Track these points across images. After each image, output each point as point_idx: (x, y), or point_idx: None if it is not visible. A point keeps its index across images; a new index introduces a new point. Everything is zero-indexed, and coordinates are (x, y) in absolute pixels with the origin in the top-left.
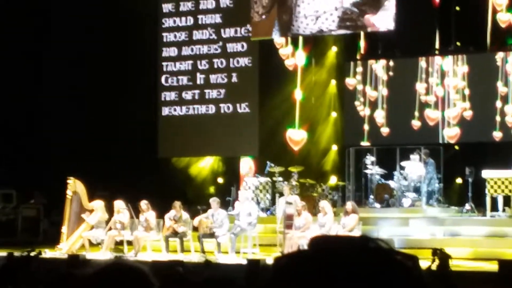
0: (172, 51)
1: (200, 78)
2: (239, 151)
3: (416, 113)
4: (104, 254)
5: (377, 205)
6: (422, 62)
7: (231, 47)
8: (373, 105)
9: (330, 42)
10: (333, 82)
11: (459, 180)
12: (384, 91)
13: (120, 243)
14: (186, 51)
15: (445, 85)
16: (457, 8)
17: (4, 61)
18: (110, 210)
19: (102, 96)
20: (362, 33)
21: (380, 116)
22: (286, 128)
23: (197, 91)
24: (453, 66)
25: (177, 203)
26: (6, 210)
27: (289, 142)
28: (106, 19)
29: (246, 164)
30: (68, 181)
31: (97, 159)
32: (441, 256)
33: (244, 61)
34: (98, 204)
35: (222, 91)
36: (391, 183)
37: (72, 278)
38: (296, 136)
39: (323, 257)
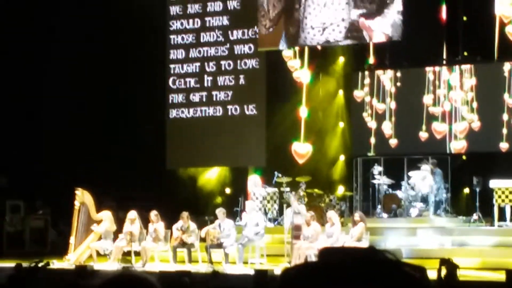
0: (179, 53)
1: (207, 80)
2: (247, 160)
3: (424, 125)
4: (111, 265)
5: (385, 215)
6: (430, 74)
7: (239, 49)
8: (381, 117)
9: (337, 52)
10: (341, 92)
11: (466, 190)
12: (392, 104)
13: (128, 253)
14: (193, 53)
15: (451, 98)
16: (465, 18)
17: (7, 67)
18: (118, 221)
19: (109, 102)
20: (369, 44)
21: (387, 127)
22: (292, 140)
23: (204, 93)
24: (460, 79)
25: (185, 214)
26: (14, 221)
27: (294, 155)
28: (112, 21)
29: (252, 182)
30: (76, 192)
31: (105, 169)
32: (449, 266)
33: (251, 63)
34: (106, 215)
35: (230, 93)
36: (399, 193)
37: None
38: (301, 150)
39: (330, 269)
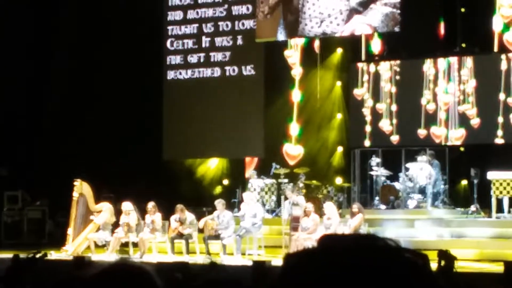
0: (177, 15)
1: (205, 41)
2: (245, 150)
3: (422, 123)
4: (109, 256)
5: (383, 207)
6: (428, 69)
7: (236, 9)
8: (379, 115)
9: (335, 43)
10: (338, 83)
11: (464, 182)
12: (391, 97)
13: (126, 245)
14: (191, 14)
15: (450, 91)
16: (463, 9)
17: (9, 59)
18: (116, 212)
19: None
20: (367, 35)
21: (386, 124)
22: (288, 121)
23: (202, 54)
24: (458, 70)
25: (179, 206)
26: (11, 212)
27: (285, 157)
28: None
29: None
30: (75, 182)
31: (103, 160)
32: (447, 257)
33: (249, 24)
34: (106, 206)
35: (228, 53)
36: (397, 185)
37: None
38: (292, 151)
39: (331, 255)
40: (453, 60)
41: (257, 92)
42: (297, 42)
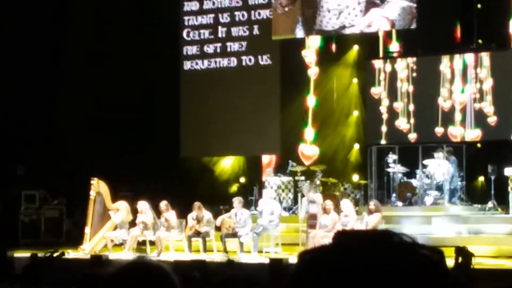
0: (193, 5)
1: (221, 32)
2: (262, 147)
3: (439, 120)
4: (126, 255)
5: (400, 204)
6: (445, 68)
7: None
8: (396, 114)
9: (351, 41)
10: (355, 80)
11: (481, 178)
12: (410, 97)
13: (143, 243)
14: (207, 4)
15: (467, 91)
16: (479, 6)
17: (23, 59)
18: (133, 211)
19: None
20: (383, 32)
21: (403, 122)
22: (304, 126)
23: (219, 44)
24: (475, 66)
25: (196, 204)
26: (29, 211)
27: (301, 157)
28: None
29: (267, 156)
30: (92, 181)
31: (119, 159)
32: (464, 254)
33: (265, 13)
34: (123, 205)
35: (244, 43)
36: (414, 182)
37: (94, 278)
38: (308, 152)
39: (347, 251)
40: (470, 58)
41: (273, 83)
42: (314, 43)
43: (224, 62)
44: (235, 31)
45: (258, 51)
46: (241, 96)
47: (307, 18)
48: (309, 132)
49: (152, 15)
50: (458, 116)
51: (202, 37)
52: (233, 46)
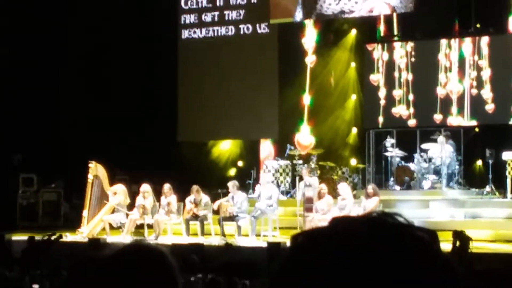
0: None
1: (219, 0)
2: (259, 132)
3: (438, 108)
4: (124, 238)
5: (397, 188)
6: (443, 57)
7: None
8: (394, 101)
9: (349, 24)
10: (353, 64)
11: (479, 162)
12: (409, 85)
13: (141, 226)
14: None
15: (465, 78)
16: None
17: (21, 40)
18: (130, 194)
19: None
20: (381, 16)
21: (403, 109)
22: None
23: (216, 13)
24: (472, 50)
25: (195, 187)
26: (27, 194)
27: (297, 146)
28: None
29: (266, 149)
30: (90, 165)
31: (117, 142)
32: (462, 238)
33: None
34: (121, 188)
35: (242, 12)
36: (411, 166)
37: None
38: (304, 141)
39: (339, 234)
40: (468, 45)
41: (271, 53)
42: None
43: (222, 30)
44: None
45: (256, 19)
46: (240, 67)
47: (307, 2)
48: (305, 128)
49: None
50: (456, 103)
51: (200, 5)
52: (231, 15)
